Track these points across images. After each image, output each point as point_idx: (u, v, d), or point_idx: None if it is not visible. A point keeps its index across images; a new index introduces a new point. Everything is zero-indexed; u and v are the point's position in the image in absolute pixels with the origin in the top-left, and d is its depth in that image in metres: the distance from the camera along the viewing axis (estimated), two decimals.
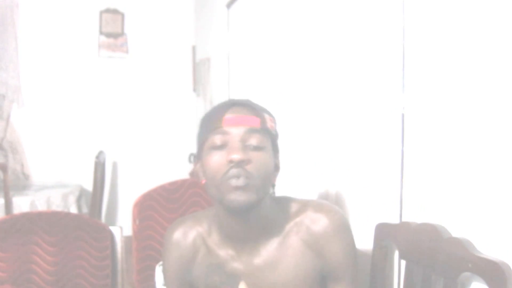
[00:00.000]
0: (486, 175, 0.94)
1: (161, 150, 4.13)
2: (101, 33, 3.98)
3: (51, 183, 3.52)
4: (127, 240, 1.61)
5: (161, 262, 1.54)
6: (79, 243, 1.51)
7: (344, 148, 1.48)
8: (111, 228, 1.56)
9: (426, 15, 1.12)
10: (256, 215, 0.97)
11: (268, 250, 1.01)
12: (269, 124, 0.98)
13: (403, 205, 1.21)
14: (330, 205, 1.04)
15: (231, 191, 0.92)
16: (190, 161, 4.21)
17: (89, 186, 3.59)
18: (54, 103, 3.87)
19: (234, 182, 0.92)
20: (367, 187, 1.36)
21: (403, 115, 1.19)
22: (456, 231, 1.01)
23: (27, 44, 3.77)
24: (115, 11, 4.00)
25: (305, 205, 1.03)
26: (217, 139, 0.95)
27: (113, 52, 4.03)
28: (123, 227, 1.60)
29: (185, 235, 1.07)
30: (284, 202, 1.05)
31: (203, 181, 0.99)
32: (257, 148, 0.94)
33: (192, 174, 1.01)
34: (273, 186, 1.02)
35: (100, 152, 3.41)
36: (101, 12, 3.96)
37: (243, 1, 2.61)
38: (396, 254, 1.21)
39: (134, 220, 1.70)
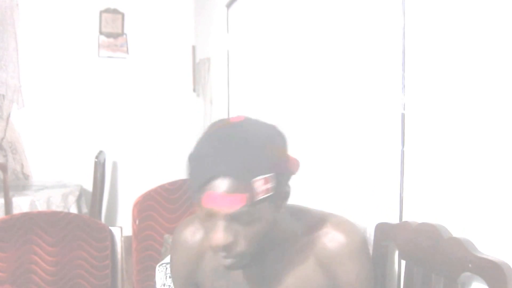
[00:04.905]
0: (486, 175, 0.94)
1: (161, 150, 4.13)
2: (101, 33, 3.98)
3: (51, 183, 3.51)
4: (127, 240, 1.61)
5: (161, 262, 1.54)
6: (79, 243, 1.51)
7: (344, 148, 1.48)
8: (111, 228, 1.56)
9: (426, 15, 1.12)
10: None
11: (278, 262, 0.95)
12: (261, 190, 0.81)
13: (403, 205, 1.21)
14: (351, 223, 0.97)
15: (220, 258, 0.87)
16: None
17: (89, 186, 3.59)
18: (54, 103, 3.86)
19: (221, 258, 0.87)
20: (367, 187, 1.36)
21: (403, 115, 1.19)
22: (456, 231, 1.01)
23: (27, 44, 3.76)
24: (115, 11, 3.99)
25: (324, 220, 0.95)
26: (200, 211, 0.84)
27: (113, 52, 4.02)
28: (123, 227, 1.60)
29: (193, 236, 1.03)
30: (301, 214, 0.98)
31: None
32: (247, 223, 0.83)
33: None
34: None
35: (100, 152, 3.41)
36: (101, 12, 3.96)
37: (243, 1, 2.61)
38: (396, 254, 1.21)
39: (134, 220, 1.70)
